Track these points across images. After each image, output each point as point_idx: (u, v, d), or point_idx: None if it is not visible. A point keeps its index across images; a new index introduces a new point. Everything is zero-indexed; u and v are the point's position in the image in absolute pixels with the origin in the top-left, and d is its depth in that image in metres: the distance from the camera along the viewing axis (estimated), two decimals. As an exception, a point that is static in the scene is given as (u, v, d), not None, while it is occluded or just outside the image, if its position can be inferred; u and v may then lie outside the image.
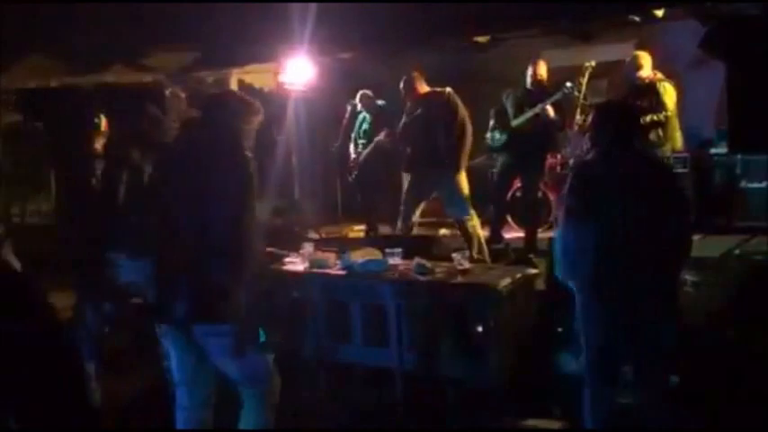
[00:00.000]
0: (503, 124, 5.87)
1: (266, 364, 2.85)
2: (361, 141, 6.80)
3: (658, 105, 5.37)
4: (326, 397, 3.94)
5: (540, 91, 5.81)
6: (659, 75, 5.53)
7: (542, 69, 5.88)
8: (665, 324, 2.90)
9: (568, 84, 5.80)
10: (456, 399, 3.78)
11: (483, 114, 6.02)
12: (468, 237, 5.48)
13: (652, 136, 5.35)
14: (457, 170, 5.43)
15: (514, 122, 5.82)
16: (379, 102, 6.70)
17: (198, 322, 2.60)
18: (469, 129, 5.45)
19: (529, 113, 5.74)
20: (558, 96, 5.72)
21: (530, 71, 5.87)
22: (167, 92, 5.52)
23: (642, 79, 5.50)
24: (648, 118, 5.28)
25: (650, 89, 5.44)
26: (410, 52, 6.71)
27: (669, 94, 5.42)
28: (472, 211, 5.55)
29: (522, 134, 5.76)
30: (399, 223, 5.73)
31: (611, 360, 2.98)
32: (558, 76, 6.13)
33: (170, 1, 5.29)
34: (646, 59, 5.55)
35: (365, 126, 6.77)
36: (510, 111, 5.88)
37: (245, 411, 2.80)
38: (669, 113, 5.40)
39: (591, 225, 2.88)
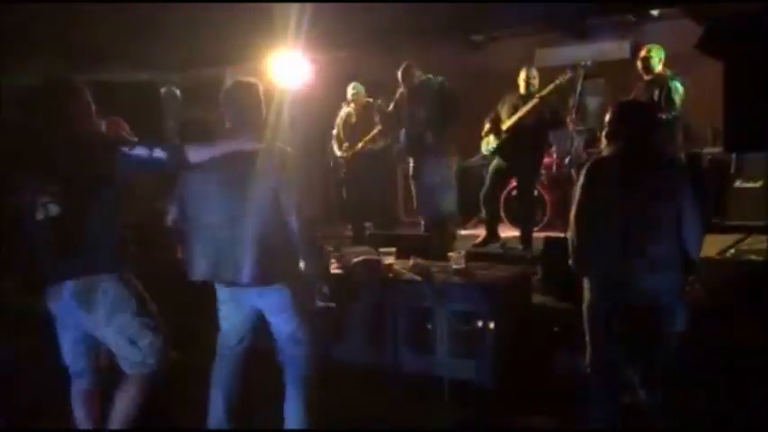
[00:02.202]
0: (497, 130, 5.87)
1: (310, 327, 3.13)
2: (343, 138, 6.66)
3: (666, 103, 5.29)
4: (322, 397, 3.93)
5: (533, 95, 5.81)
6: (669, 71, 5.46)
7: (533, 73, 5.87)
8: (671, 324, 2.90)
9: (568, 72, 5.80)
10: (454, 398, 3.78)
11: (479, 111, 6.03)
12: (440, 232, 5.59)
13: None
14: (444, 157, 5.70)
15: (505, 125, 5.81)
16: (370, 99, 6.64)
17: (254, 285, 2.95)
18: (456, 115, 5.66)
19: (526, 107, 5.70)
20: (557, 83, 5.69)
21: (522, 76, 5.84)
22: (163, 90, 5.52)
23: (654, 74, 5.43)
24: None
25: (660, 85, 5.38)
26: (407, 50, 6.70)
27: (679, 92, 5.34)
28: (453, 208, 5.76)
29: (517, 135, 5.75)
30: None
31: (616, 360, 2.98)
32: (553, 74, 6.12)
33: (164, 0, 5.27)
34: (659, 54, 5.47)
35: (350, 122, 6.64)
36: (504, 116, 5.87)
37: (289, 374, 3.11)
38: (676, 113, 5.34)
39: (602, 221, 2.90)
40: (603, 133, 3.11)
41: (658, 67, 5.42)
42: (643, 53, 5.49)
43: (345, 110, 6.67)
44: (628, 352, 2.97)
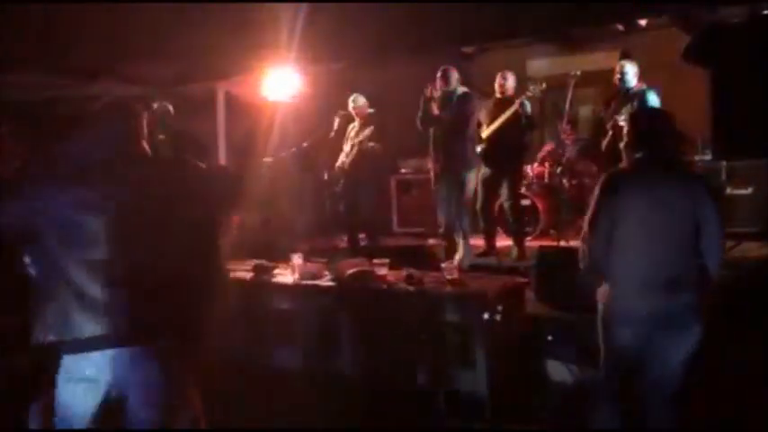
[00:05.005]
0: (478, 136, 5.92)
1: None
2: (350, 149, 6.60)
3: None
4: (316, 406, 3.92)
5: (510, 100, 5.89)
6: (644, 85, 5.59)
7: (509, 81, 5.96)
8: (685, 342, 2.84)
9: (531, 87, 5.89)
10: (447, 408, 3.78)
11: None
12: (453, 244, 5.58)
13: None
14: (458, 166, 5.73)
15: (486, 132, 5.88)
16: (370, 110, 6.62)
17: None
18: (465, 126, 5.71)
19: (499, 121, 5.82)
20: (520, 102, 5.78)
21: (497, 82, 5.96)
22: (155, 105, 5.52)
23: (630, 88, 5.54)
24: None
25: (638, 98, 5.48)
26: (398, 62, 6.73)
27: (655, 104, 5.46)
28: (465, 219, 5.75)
29: (498, 144, 5.83)
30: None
31: (627, 375, 2.95)
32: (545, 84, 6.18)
33: (159, 0, 5.25)
34: (633, 68, 5.59)
35: (361, 137, 6.51)
36: (484, 122, 5.94)
37: None
38: None
39: (617, 236, 2.86)
40: (622, 144, 3.08)
41: (633, 81, 5.54)
42: (617, 69, 5.61)
43: (353, 123, 6.63)
44: (639, 366, 2.93)
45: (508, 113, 5.78)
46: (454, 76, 5.83)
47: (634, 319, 2.85)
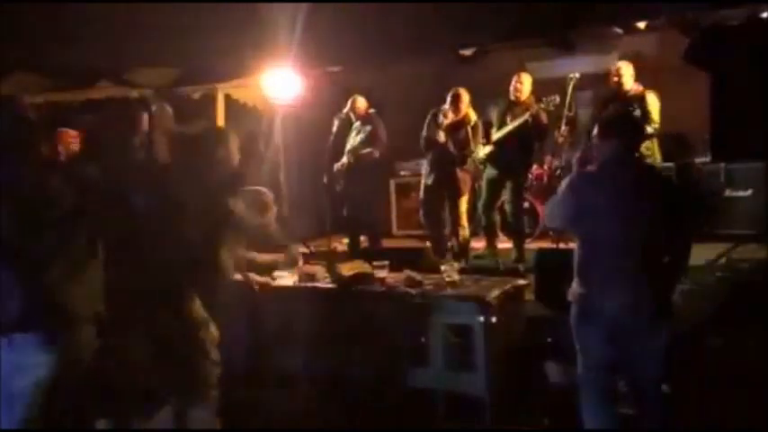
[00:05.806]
0: (487, 137, 5.93)
1: None
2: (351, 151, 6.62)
3: (646, 117, 5.37)
4: (316, 407, 3.92)
5: (523, 103, 5.87)
6: (642, 87, 5.59)
7: (525, 84, 5.93)
8: (654, 338, 2.88)
9: (544, 99, 5.90)
10: (449, 411, 3.78)
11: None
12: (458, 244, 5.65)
13: (641, 148, 5.39)
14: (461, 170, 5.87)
15: (495, 135, 5.89)
16: (371, 110, 6.62)
17: None
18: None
19: (508, 127, 5.81)
20: (528, 115, 5.76)
21: (512, 84, 5.94)
22: (154, 107, 5.53)
23: (627, 90, 5.54)
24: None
25: (637, 100, 5.46)
26: (397, 64, 6.74)
27: (655, 106, 5.46)
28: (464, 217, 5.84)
29: (506, 146, 5.82)
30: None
31: (605, 373, 2.99)
32: (542, 87, 6.19)
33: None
34: (630, 70, 5.60)
35: (361, 136, 6.52)
36: (494, 123, 5.94)
37: None
38: (656, 126, 5.44)
39: (583, 236, 2.93)
40: (594, 146, 3.12)
41: (630, 83, 5.53)
42: (614, 72, 5.60)
43: (355, 124, 6.62)
44: (617, 363, 2.96)
45: (518, 122, 5.76)
46: (465, 101, 5.79)
47: (600, 318, 2.89)
